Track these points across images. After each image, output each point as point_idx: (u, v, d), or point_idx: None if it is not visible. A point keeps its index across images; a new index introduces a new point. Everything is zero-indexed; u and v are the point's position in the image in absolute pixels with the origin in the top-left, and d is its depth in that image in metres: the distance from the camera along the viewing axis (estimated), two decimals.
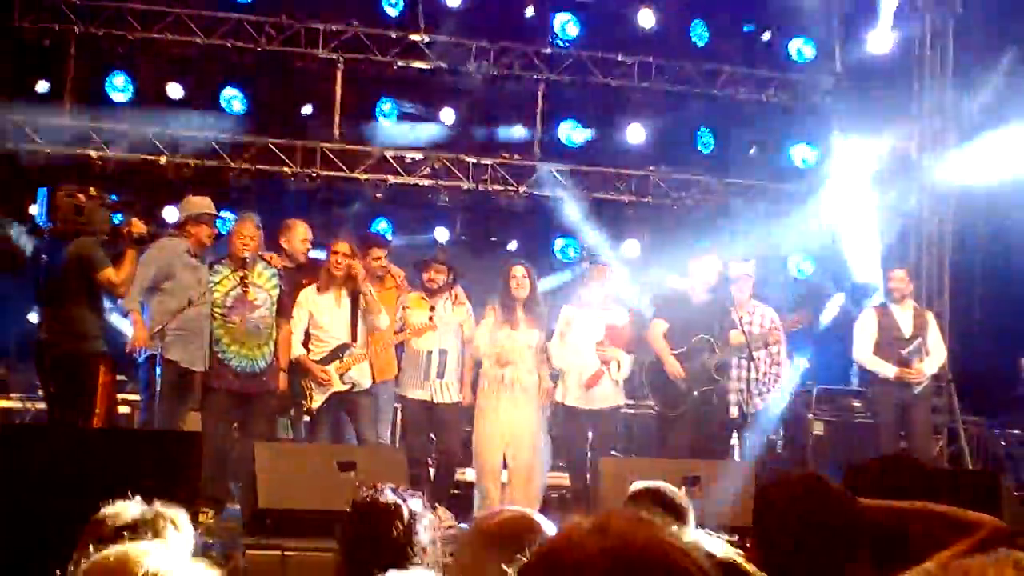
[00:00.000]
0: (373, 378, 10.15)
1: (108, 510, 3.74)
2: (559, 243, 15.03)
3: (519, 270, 10.32)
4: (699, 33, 15.06)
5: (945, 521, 3.41)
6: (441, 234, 14.31)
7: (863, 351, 11.14)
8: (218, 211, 10.23)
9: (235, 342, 9.59)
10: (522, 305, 10.22)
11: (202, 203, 10.00)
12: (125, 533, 3.48)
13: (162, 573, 2.29)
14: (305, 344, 9.98)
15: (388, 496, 4.15)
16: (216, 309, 9.59)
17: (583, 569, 1.64)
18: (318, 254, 10.77)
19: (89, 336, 8.71)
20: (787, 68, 15.04)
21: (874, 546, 3.34)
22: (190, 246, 9.62)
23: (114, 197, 9.38)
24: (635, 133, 14.94)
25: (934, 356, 11.17)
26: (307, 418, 10.06)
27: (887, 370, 10.92)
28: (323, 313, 10.00)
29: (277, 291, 9.79)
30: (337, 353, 9.95)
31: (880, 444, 10.98)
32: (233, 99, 13.51)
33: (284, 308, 9.84)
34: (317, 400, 9.87)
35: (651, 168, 14.87)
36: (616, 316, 10.47)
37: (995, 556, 2.28)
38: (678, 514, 4.75)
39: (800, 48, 14.96)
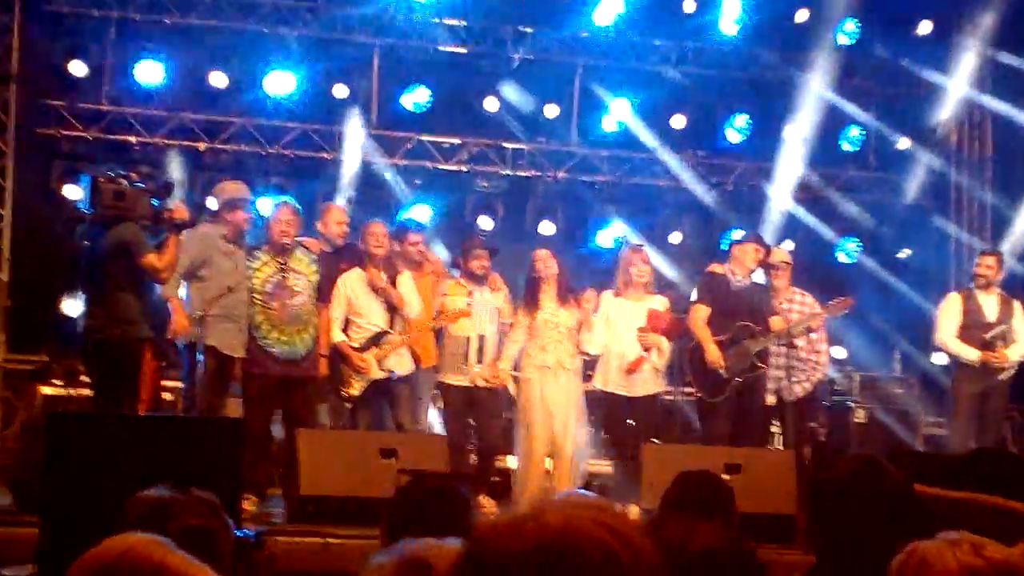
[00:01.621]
0: (418, 364, 10.16)
1: (140, 496, 3.75)
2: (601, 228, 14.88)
3: (542, 253, 10.32)
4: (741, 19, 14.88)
5: (1000, 514, 3.37)
6: (485, 222, 14.22)
7: (946, 335, 10.98)
8: (257, 197, 10.24)
9: (275, 328, 9.59)
10: (553, 286, 10.17)
11: (237, 188, 10.01)
12: (145, 520, 3.48)
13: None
14: (345, 330, 9.99)
15: (430, 481, 4.15)
16: (256, 295, 9.59)
17: (515, 557, 1.61)
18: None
19: (134, 321, 8.71)
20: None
21: (923, 533, 3.31)
22: (226, 232, 9.63)
23: (155, 182, 9.39)
24: (676, 120, 14.78)
25: (1020, 343, 10.88)
26: (348, 405, 10.06)
27: (970, 354, 10.73)
28: (361, 299, 9.99)
29: (316, 277, 9.79)
30: (375, 340, 9.94)
31: (952, 432, 10.95)
32: (271, 84, 13.48)
33: (323, 294, 9.85)
34: (356, 387, 9.87)
35: (689, 152, 14.78)
36: (656, 302, 10.43)
37: (951, 538, 2.30)
38: (723, 500, 4.74)
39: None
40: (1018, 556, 2.36)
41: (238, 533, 5.02)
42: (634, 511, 9.46)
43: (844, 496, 3.41)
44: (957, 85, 14.36)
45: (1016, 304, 11.06)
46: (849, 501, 3.38)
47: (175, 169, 12.90)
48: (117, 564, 2.22)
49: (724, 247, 12.10)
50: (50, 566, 6.02)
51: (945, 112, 14.56)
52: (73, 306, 12.01)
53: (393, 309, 9.97)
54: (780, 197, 14.60)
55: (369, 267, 9.92)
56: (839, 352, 13.03)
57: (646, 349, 10.22)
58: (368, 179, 13.86)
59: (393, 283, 9.99)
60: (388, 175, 13.99)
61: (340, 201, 12.56)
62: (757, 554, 3.26)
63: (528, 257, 10.46)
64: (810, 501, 3.50)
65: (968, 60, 14.22)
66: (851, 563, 3.33)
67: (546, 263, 10.21)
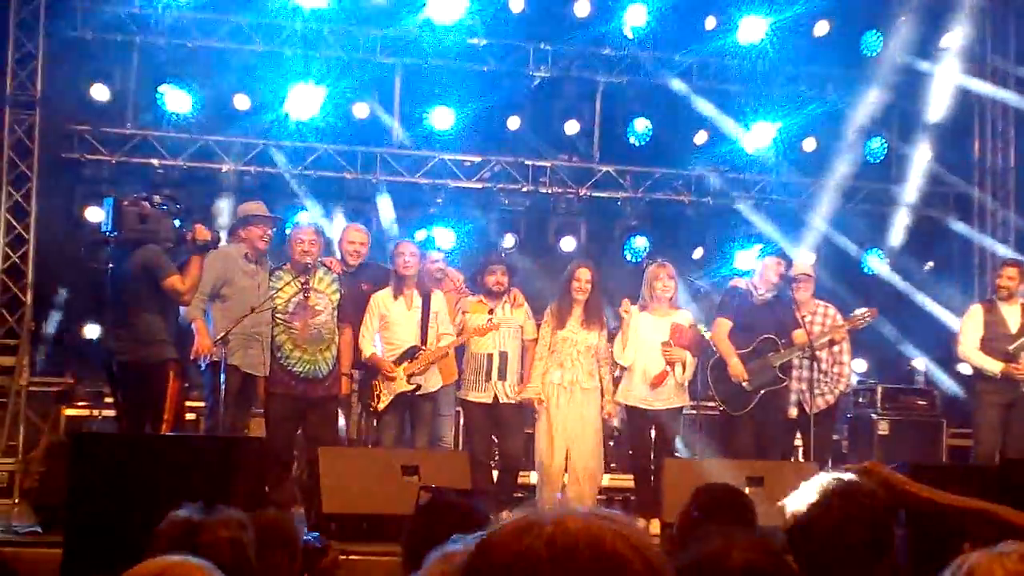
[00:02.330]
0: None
1: (170, 517, 3.78)
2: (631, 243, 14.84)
3: (584, 273, 10.32)
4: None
5: (1005, 526, 3.35)
6: (508, 240, 14.23)
7: (969, 346, 10.95)
8: (283, 216, 10.29)
9: (297, 347, 9.65)
10: (583, 307, 10.23)
11: (253, 207, 10.09)
12: (176, 540, 3.51)
13: None
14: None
15: (452, 498, 4.17)
16: (278, 315, 9.66)
17: (527, 563, 1.62)
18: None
19: (158, 342, 8.79)
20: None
21: (921, 539, 3.33)
22: (247, 251, 9.69)
23: (178, 205, 9.46)
24: (697, 134, 14.76)
25: None
26: (375, 419, 10.12)
27: (993, 366, 10.71)
28: (394, 316, 10.04)
29: (337, 296, 9.85)
30: (408, 355, 10.00)
31: (977, 442, 10.94)
32: (294, 106, 13.53)
33: (345, 313, 9.90)
34: (385, 401, 9.91)
35: (711, 168, 14.78)
36: (681, 316, 10.44)
37: (1003, 549, 2.30)
38: (744, 513, 4.73)
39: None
40: None
41: (306, 537, 5.09)
42: (655, 525, 9.49)
43: (814, 515, 3.40)
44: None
45: None
46: (820, 519, 3.38)
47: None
48: None
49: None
50: None
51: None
52: (95, 329, 12.11)
53: (425, 326, 10.03)
54: (811, 211, 14.62)
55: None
56: (862, 364, 12.98)
57: (670, 364, 10.23)
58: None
59: (426, 302, 10.05)
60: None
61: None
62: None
63: (568, 270, 10.49)
64: (787, 526, 3.48)
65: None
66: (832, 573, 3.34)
67: (583, 286, 10.24)
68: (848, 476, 3.51)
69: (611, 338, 10.46)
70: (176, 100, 13.25)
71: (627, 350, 10.28)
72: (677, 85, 14.50)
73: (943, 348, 12.83)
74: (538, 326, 10.47)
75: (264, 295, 9.56)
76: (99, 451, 7.39)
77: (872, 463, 3.70)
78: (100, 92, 13.18)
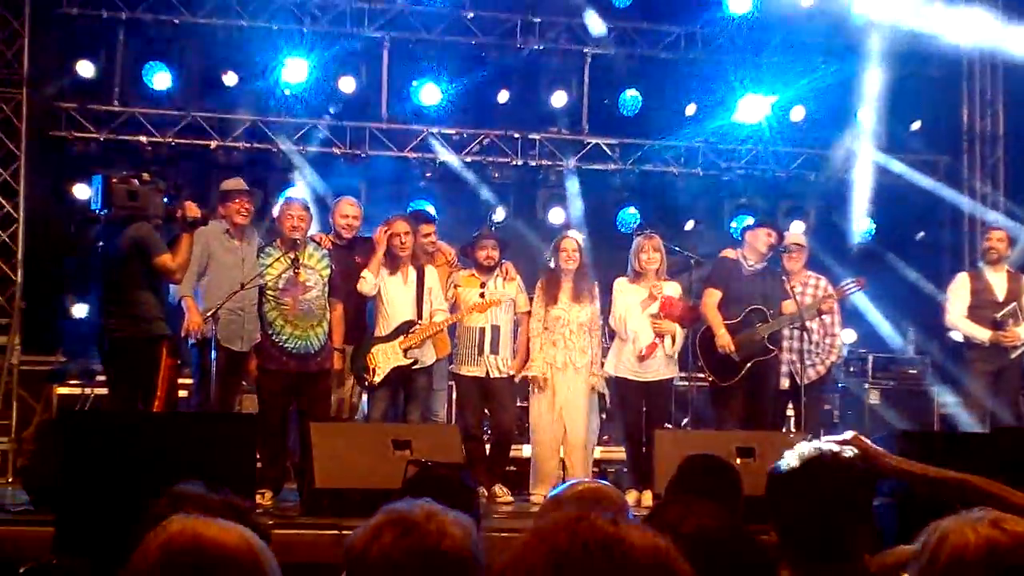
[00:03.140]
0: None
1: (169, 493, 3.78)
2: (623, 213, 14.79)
3: (570, 243, 10.35)
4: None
5: (986, 499, 3.37)
6: (499, 213, 14.19)
7: (957, 315, 11.01)
8: (272, 192, 10.26)
9: (288, 323, 9.65)
10: (571, 279, 10.25)
11: (231, 183, 10.11)
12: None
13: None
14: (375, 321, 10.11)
15: (440, 470, 4.18)
16: (268, 292, 9.66)
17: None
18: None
19: (150, 319, 8.79)
20: None
21: (908, 507, 3.34)
22: (228, 227, 9.71)
23: (166, 181, 9.46)
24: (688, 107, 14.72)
25: None
26: (365, 396, 10.14)
27: (981, 334, 10.79)
28: (390, 291, 10.04)
29: (328, 272, 9.85)
30: (402, 329, 10.00)
31: (968, 409, 11.04)
32: (279, 80, 13.50)
33: (336, 288, 9.90)
34: (380, 374, 9.91)
35: (699, 140, 14.76)
36: (669, 288, 10.45)
37: (975, 515, 2.33)
38: (730, 484, 4.74)
39: None
40: None
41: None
42: (648, 497, 9.52)
43: (794, 485, 3.41)
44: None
45: (1023, 279, 11.10)
46: (799, 489, 3.40)
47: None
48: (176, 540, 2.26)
49: (736, 233, 12.13)
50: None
51: None
52: (85, 307, 12.10)
53: (420, 300, 10.03)
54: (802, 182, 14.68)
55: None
56: (851, 335, 12.99)
57: (659, 336, 10.24)
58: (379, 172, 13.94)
59: (421, 276, 10.05)
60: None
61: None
62: (762, 538, 3.27)
63: (554, 242, 10.52)
64: (767, 493, 3.49)
65: None
66: (811, 543, 3.35)
67: (571, 256, 10.26)
68: (829, 446, 3.52)
69: (602, 311, 10.50)
70: (162, 77, 13.23)
71: (617, 323, 10.31)
72: (665, 56, 14.50)
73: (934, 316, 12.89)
74: (530, 299, 10.50)
75: (249, 271, 9.57)
76: (89, 428, 7.40)
77: (854, 435, 3.71)
78: (86, 69, 13.14)
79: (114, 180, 8.88)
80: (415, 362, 9.97)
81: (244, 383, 10.19)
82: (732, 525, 2.87)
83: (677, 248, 11.79)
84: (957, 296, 11.01)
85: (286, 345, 9.64)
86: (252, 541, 2.31)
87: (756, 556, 2.92)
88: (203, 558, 2.22)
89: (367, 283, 9.88)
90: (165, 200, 9.04)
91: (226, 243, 9.65)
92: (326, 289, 9.81)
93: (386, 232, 9.98)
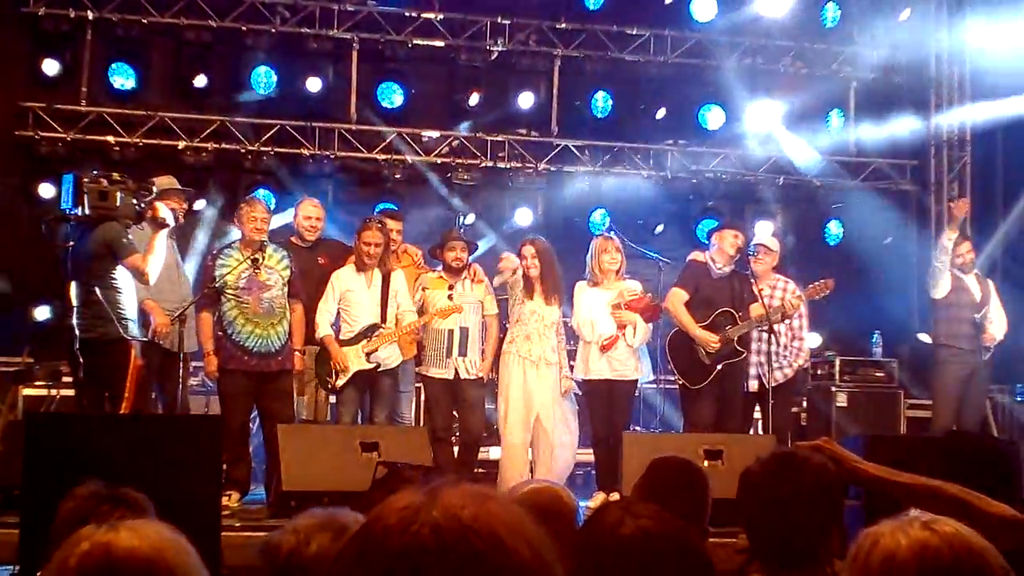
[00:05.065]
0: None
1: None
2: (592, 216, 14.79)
3: (528, 249, 10.35)
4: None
5: (956, 506, 3.36)
6: (469, 216, 14.17)
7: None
8: (238, 194, 10.20)
9: (249, 322, 9.64)
10: (539, 282, 10.25)
11: (164, 180, 10.12)
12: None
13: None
14: (337, 324, 10.09)
15: (409, 473, 4.16)
16: (229, 291, 9.65)
17: (413, 552, 1.54)
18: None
19: (119, 320, 8.74)
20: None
21: (876, 508, 3.34)
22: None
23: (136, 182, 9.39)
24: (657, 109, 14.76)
25: (998, 322, 11.32)
26: (332, 399, 10.12)
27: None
28: (354, 293, 10.03)
29: (288, 272, 9.83)
30: (366, 333, 9.99)
31: (936, 414, 11.27)
32: (248, 82, 13.47)
33: (296, 289, 9.88)
34: (343, 378, 9.90)
35: (669, 143, 14.80)
36: (629, 286, 10.45)
37: (907, 518, 2.35)
38: (697, 486, 4.75)
39: None
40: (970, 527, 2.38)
41: None
42: (615, 499, 9.50)
43: (766, 488, 3.42)
44: None
45: (990, 283, 11.49)
46: (771, 493, 3.41)
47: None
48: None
49: (703, 237, 12.15)
50: (32, 566, 6.02)
51: None
52: (52, 308, 12.03)
53: (385, 304, 10.02)
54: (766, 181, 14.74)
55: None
56: (817, 338, 13.02)
57: (620, 327, 10.24)
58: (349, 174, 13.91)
59: (386, 280, 10.04)
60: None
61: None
62: (703, 544, 3.24)
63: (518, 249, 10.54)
64: (739, 493, 3.50)
65: None
66: (782, 546, 3.36)
67: (531, 262, 10.27)
68: (800, 451, 3.54)
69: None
70: (130, 77, 13.17)
71: (582, 326, 10.31)
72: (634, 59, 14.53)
73: (903, 319, 13.00)
74: (499, 302, 10.50)
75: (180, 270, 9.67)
76: (54, 430, 7.34)
77: (824, 439, 3.72)
78: (53, 68, 13.09)
79: (86, 180, 8.84)
80: (378, 366, 9.97)
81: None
82: (674, 528, 2.85)
83: (644, 251, 11.80)
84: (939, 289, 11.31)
85: (247, 344, 9.62)
86: (168, 543, 2.28)
87: (695, 559, 2.89)
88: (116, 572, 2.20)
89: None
90: (135, 200, 8.99)
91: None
92: (285, 289, 9.79)
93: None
